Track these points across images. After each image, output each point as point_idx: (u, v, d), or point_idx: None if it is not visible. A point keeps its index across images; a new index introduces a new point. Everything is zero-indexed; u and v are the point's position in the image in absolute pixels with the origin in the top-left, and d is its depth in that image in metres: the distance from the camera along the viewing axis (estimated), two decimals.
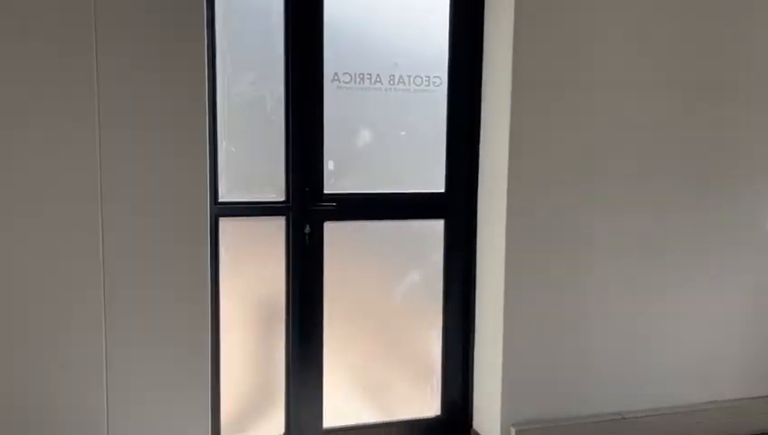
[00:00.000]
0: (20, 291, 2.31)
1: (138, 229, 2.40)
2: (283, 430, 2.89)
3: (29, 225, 2.30)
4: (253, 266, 2.89)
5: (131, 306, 2.42)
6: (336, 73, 2.83)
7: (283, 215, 2.84)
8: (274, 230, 2.86)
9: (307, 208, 2.83)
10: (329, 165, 2.87)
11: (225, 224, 2.74)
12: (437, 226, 3.04)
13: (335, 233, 2.90)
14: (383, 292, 3.06)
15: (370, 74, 2.88)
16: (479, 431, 3.06)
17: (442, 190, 3.01)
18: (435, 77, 2.95)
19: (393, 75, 2.90)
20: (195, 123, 2.44)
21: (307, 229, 2.85)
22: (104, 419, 2.42)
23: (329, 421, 2.95)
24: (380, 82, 2.89)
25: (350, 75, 2.85)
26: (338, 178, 2.89)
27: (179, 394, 2.49)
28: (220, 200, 2.72)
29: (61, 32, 2.27)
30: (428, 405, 3.10)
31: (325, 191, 2.86)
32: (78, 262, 2.35)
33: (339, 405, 2.99)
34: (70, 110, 2.30)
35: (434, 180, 3.01)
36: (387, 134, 2.98)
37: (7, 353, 2.32)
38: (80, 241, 2.35)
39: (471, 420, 3.10)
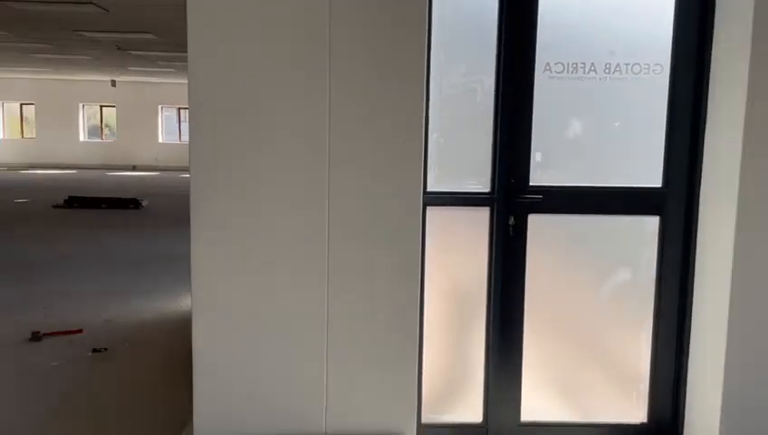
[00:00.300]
0: (278, 272, 2.58)
1: (358, 215, 2.57)
2: (480, 418, 2.91)
3: (265, 210, 2.56)
4: (456, 255, 2.95)
5: (350, 288, 2.59)
6: (548, 63, 2.78)
7: (487, 205, 2.85)
8: (478, 220, 2.88)
9: (512, 200, 2.82)
10: (536, 156, 2.83)
11: (432, 213, 2.82)
12: (651, 223, 2.86)
13: (540, 225, 2.85)
14: (587, 289, 2.96)
15: (584, 63, 2.78)
16: None
17: (658, 186, 2.83)
18: (655, 65, 2.77)
19: (609, 64, 2.78)
20: (413, 116, 2.54)
21: (511, 221, 2.83)
22: (323, 389, 2.62)
23: (526, 415, 2.92)
24: (595, 71, 2.78)
25: (563, 65, 2.78)
26: (545, 170, 2.84)
27: (390, 372, 2.62)
28: (428, 190, 2.80)
29: (298, 32, 2.48)
30: (633, 411, 2.94)
31: (531, 183, 2.82)
32: (307, 246, 2.57)
33: (536, 400, 2.94)
34: (306, 103, 2.51)
35: (649, 175, 2.83)
36: (599, 125, 2.87)
37: (242, 329, 2.60)
38: (308, 227, 2.56)
39: (681, 432, 2.89)
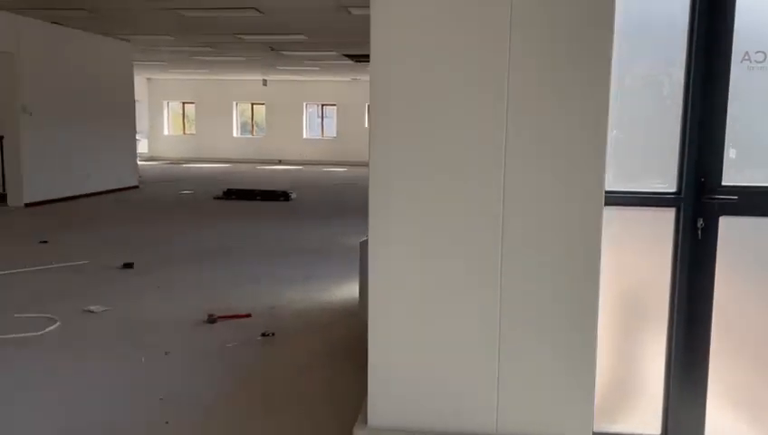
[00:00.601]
0: (452, 272, 2.60)
1: (535, 215, 2.51)
2: (657, 431, 2.75)
3: (441, 210, 2.58)
4: (634, 258, 2.80)
5: (525, 288, 2.55)
6: (747, 52, 2.55)
7: (672, 206, 2.68)
8: (661, 222, 2.72)
9: (701, 201, 2.63)
10: (730, 153, 2.61)
11: (608, 213, 2.68)
12: None
13: (733, 229, 2.64)
14: None
15: None
16: None
17: None
18: None
19: None
20: (596, 113, 2.44)
21: (700, 223, 2.64)
22: (495, 390, 2.60)
23: (711, 432, 2.72)
24: None
25: (765, 54, 2.54)
26: (740, 169, 2.62)
27: (565, 375, 2.55)
28: (606, 189, 2.68)
29: (476, 27, 2.47)
30: None
31: (724, 183, 2.61)
32: (481, 245, 2.56)
33: (722, 416, 2.73)
34: (483, 100, 2.50)
35: None
36: None
37: (416, 326, 2.65)
38: (483, 226, 2.55)
39: None
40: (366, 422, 2.70)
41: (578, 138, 2.46)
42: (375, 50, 2.54)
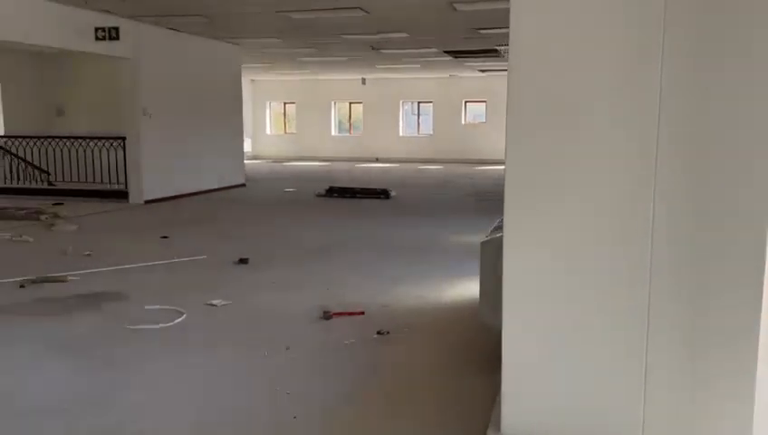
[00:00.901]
0: (573, 271, 2.49)
1: (689, 214, 2.35)
2: None
3: (585, 210, 2.45)
4: None
5: (675, 296, 2.38)
6: None
7: None
8: None
9: None
10: None
11: None
12: None
13: None
14: None
15: None
16: None
17: None
18: None
19: None
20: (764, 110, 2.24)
21: None
22: (641, 407, 2.45)
23: None
24: None
25: None
26: None
27: (721, 394, 2.37)
28: None
29: (627, 24, 2.33)
30: None
31: None
32: (627, 247, 2.42)
33: None
34: (632, 101, 2.36)
35: None
36: None
37: (552, 337, 2.54)
38: (631, 226, 2.41)
39: None
40: (499, 429, 2.63)
41: (743, 137, 2.26)
42: (516, 46, 2.45)
